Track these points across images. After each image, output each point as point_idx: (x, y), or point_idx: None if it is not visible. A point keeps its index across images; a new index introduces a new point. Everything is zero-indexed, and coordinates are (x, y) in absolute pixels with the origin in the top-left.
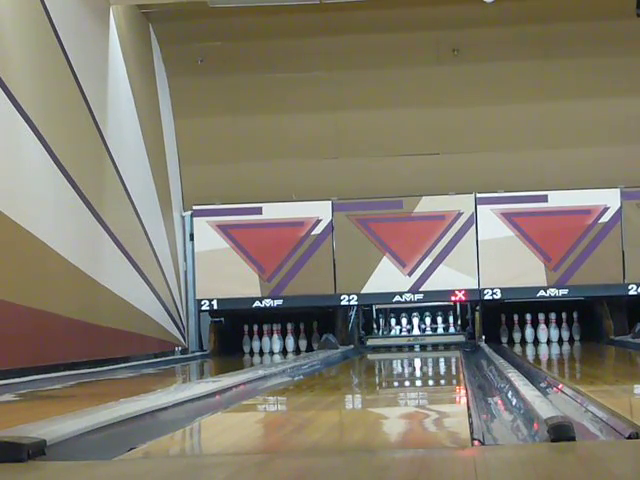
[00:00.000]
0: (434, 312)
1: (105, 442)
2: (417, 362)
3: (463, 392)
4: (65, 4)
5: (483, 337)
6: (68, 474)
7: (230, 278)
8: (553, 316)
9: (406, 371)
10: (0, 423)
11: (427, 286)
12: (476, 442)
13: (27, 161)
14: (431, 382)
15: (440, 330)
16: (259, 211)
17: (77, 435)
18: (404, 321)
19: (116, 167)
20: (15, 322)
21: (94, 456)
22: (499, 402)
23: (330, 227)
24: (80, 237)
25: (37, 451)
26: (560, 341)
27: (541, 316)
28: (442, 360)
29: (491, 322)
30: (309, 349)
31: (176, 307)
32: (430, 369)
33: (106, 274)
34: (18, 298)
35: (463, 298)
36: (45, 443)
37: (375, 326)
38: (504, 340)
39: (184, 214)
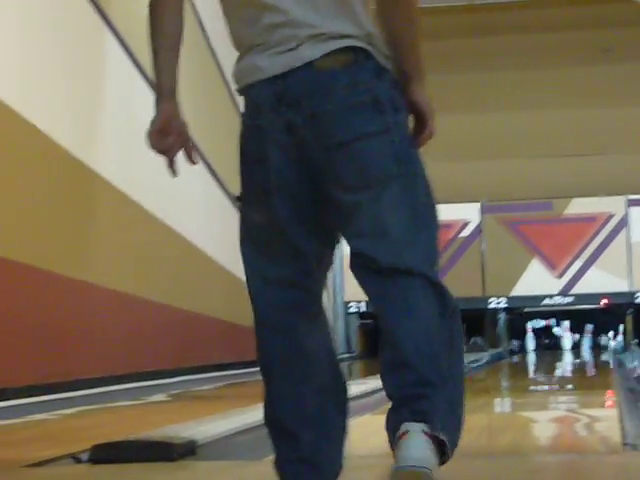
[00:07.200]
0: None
1: (254, 443)
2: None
3: (614, 396)
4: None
5: (635, 340)
6: (217, 473)
7: None
8: None
9: (556, 374)
10: (151, 423)
11: (577, 289)
12: (628, 447)
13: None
14: (581, 385)
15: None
16: None
17: (226, 436)
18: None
19: None
20: (168, 323)
21: (244, 456)
22: None
23: (478, 229)
24: (226, 236)
25: (187, 451)
26: None
27: None
28: (592, 363)
29: None
30: None
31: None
32: (580, 373)
33: None
34: (171, 299)
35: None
36: (195, 443)
37: None
38: None
39: None
